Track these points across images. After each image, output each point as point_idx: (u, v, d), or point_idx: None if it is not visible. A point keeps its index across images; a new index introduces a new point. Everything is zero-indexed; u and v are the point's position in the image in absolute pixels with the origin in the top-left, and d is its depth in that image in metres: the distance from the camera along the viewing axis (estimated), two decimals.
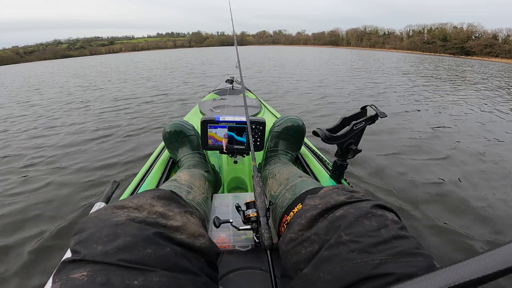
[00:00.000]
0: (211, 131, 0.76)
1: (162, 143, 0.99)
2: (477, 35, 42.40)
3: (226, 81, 2.06)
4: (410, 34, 59.81)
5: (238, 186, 0.97)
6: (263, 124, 0.75)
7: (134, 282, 0.29)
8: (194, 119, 1.15)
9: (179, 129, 0.84)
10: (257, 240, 0.49)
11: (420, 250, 0.33)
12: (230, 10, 1.41)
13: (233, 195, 0.74)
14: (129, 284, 0.28)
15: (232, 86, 1.93)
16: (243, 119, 0.74)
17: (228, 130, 0.75)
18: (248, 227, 0.51)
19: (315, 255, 0.36)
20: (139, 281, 0.29)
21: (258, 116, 1.29)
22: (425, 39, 51.44)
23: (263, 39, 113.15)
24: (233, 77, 2.00)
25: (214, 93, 1.89)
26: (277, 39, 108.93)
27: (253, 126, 0.74)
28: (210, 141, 0.77)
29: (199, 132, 0.79)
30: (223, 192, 0.93)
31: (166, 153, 0.96)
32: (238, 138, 0.76)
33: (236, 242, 0.58)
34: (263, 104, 1.59)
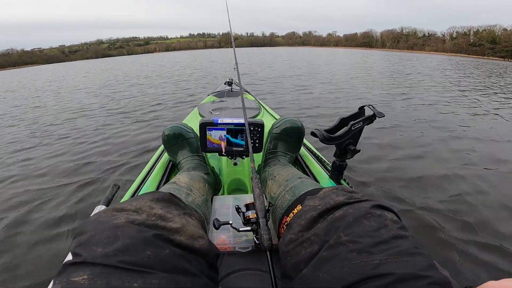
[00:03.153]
0: (210, 134, 0.76)
1: (162, 146, 0.99)
2: None
3: (225, 83, 2.05)
4: (454, 36, 55.47)
5: (238, 188, 0.97)
6: (261, 126, 0.75)
7: (133, 284, 0.29)
8: (193, 122, 1.16)
9: (178, 132, 0.84)
10: (257, 241, 0.49)
11: (419, 250, 0.33)
12: (228, 11, 1.41)
13: (233, 197, 0.75)
14: (129, 287, 0.29)
15: (231, 88, 1.93)
16: (242, 121, 0.74)
17: (226, 132, 0.76)
18: (248, 228, 0.51)
19: (315, 255, 0.36)
20: (138, 284, 0.29)
21: (257, 117, 1.29)
22: (471, 41, 47.39)
23: (292, 40, 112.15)
24: (232, 79, 1.99)
25: (213, 95, 1.89)
26: (307, 40, 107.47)
27: (252, 128, 0.74)
28: (208, 144, 0.78)
29: (198, 135, 0.79)
30: (223, 194, 0.93)
31: (165, 156, 0.96)
32: (234, 140, 0.76)
33: (237, 244, 0.59)
34: (262, 106, 1.59)
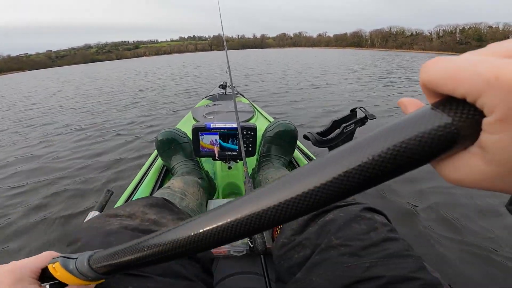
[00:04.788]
0: (201, 139, 0.76)
1: (156, 151, 0.99)
2: None
3: (219, 86, 2.04)
4: (441, 34, 57.00)
5: (233, 192, 0.97)
6: (254, 129, 0.75)
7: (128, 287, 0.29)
8: (187, 126, 1.14)
9: (171, 136, 0.84)
10: (251, 245, 0.49)
11: (409, 252, 0.33)
12: (220, 14, 1.40)
13: (228, 201, 0.74)
14: None
15: (225, 92, 1.92)
16: (234, 125, 0.74)
17: (219, 137, 0.76)
18: None
19: (307, 259, 0.37)
20: (134, 287, 0.30)
21: (251, 121, 1.29)
22: (458, 39, 48.77)
23: (283, 41, 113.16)
24: (226, 82, 1.97)
25: (207, 99, 1.88)
26: (298, 41, 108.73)
27: (244, 132, 0.74)
28: (201, 149, 0.78)
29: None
30: (218, 197, 0.93)
31: (159, 161, 0.96)
32: (227, 144, 0.76)
33: (231, 247, 0.59)
34: (256, 109, 1.58)
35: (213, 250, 0.57)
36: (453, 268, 1.07)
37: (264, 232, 0.48)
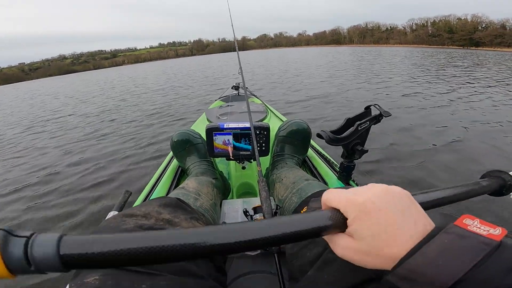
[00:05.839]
0: (215, 139, 0.77)
1: (171, 152, 1.01)
2: (483, 25, 41.57)
3: (232, 87, 2.08)
4: (414, 28, 59.20)
5: (247, 191, 0.97)
6: (267, 129, 0.75)
7: (142, 285, 0.30)
8: (201, 127, 1.17)
9: (185, 138, 0.85)
10: None
11: None
12: (230, 16, 1.40)
13: (242, 200, 0.75)
14: (137, 287, 0.30)
15: (238, 93, 1.94)
16: (247, 125, 0.74)
17: (232, 137, 0.76)
18: None
19: (319, 257, 0.37)
20: (147, 285, 0.30)
21: (264, 121, 1.29)
22: (430, 32, 50.79)
23: (264, 42, 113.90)
24: (239, 83, 2.00)
25: (221, 100, 1.91)
26: (278, 41, 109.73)
27: (257, 132, 0.75)
28: (215, 149, 0.78)
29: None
30: (232, 197, 0.94)
31: (175, 162, 0.98)
32: (240, 144, 0.77)
33: None
34: (269, 109, 1.59)
35: None
36: None
37: None
